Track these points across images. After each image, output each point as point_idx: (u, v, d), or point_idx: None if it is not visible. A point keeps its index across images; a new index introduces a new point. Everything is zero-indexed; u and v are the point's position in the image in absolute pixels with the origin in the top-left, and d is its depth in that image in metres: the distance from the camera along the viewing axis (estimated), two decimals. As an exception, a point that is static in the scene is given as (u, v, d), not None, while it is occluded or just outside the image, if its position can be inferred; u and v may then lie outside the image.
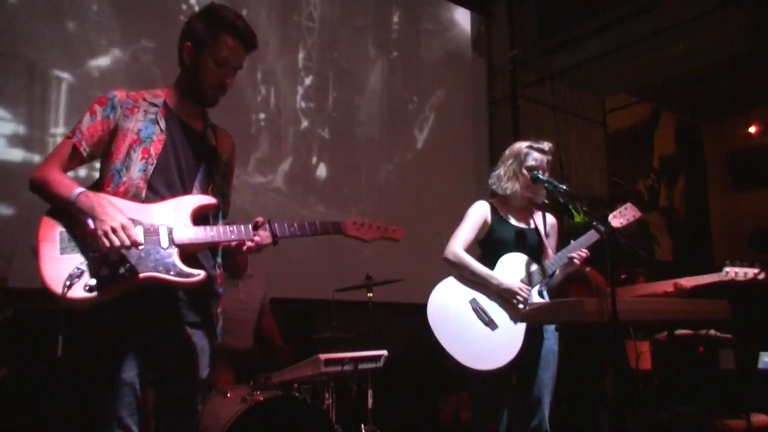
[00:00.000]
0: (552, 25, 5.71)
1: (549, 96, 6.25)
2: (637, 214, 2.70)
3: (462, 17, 6.25)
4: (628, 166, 7.61)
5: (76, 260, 1.75)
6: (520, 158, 2.73)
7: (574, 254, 2.64)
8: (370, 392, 3.51)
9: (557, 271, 2.73)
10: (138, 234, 1.77)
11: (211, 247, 2.01)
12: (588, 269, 3.46)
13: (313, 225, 2.03)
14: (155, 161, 1.91)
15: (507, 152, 2.82)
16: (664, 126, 8.32)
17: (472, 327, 2.57)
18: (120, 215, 1.75)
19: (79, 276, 1.72)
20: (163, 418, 1.94)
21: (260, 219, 1.99)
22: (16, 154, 3.65)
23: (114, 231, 1.72)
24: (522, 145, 2.78)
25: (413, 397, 4.83)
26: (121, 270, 1.77)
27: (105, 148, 1.91)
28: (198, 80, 1.97)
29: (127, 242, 1.73)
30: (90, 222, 1.76)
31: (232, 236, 1.94)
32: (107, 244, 1.71)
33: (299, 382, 3.20)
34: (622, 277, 3.77)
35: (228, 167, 2.15)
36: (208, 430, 2.72)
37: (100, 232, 1.72)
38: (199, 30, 1.95)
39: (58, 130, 3.75)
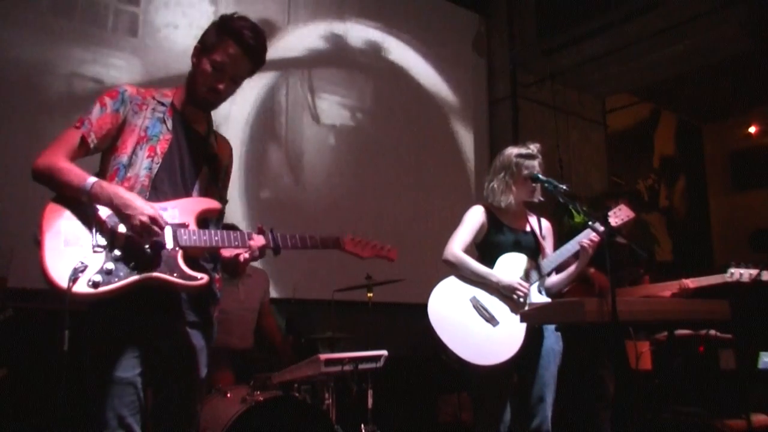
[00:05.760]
0: (552, 25, 5.71)
1: (549, 96, 6.26)
2: (631, 214, 2.72)
3: (462, 17, 6.25)
4: (628, 166, 7.61)
5: (80, 254, 1.71)
6: (512, 169, 2.75)
7: (584, 240, 2.64)
8: (370, 392, 3.50)
9: (574, 267, 2.74)
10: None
11: (213, 251, 2.00)
12: (592, 270, 3.47)
13: (314, 238, 2.07)
14: (161, 160, 1.91)
15: (497, 163, 2.82)
16: (664, 126, 8.33)
17: (473, 323, 2.59)
18: (148, 207, 1.76)
19: (83, 271, 1.68)
20: (162, 418, 1.91)
21: (262, 227, 2.01)
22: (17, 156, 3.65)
23: (153, 221, 1.73)
24: (511, 154, 2.78)
25: (413, 397, 4.82)
26: (127, 267, 1.75)
27: (111, 141, 1.91)
28: (193, 80, 1.99)
29: (160, 234, 1.74)
30: (103, 211, 1.75)
31: (235, 243, 1.94)
32: (141, 232, 1.72)
33: (299, 382, 3.20)
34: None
35: (226, 173, 2.17)
36: (208, 430, 2.72)
37: (136, 222, 1.72)
38: (210, 33, 1.98)
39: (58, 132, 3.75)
